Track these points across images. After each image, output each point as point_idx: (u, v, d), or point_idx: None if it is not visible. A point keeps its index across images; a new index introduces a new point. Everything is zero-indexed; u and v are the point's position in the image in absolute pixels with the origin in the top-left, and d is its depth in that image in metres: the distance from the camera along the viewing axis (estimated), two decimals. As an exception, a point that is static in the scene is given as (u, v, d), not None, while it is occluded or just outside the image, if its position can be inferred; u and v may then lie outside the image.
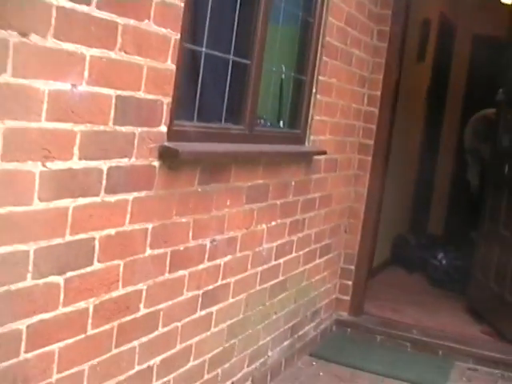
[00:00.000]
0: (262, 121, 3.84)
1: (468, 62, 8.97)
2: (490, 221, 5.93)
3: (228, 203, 3.33)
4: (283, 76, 4.07)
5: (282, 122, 4.12)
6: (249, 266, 3.69)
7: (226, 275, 3.44)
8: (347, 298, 5.36)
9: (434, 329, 5.43)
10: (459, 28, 8.89)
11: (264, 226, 3.77)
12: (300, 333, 4.59)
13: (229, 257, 3.45)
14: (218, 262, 3.33)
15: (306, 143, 4.22)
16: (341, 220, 5.11)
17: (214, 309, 3.37)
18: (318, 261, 4.73)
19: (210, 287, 3.30)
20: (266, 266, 3.89)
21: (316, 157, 4.28)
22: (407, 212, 8.23)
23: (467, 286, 6.24)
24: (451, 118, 9.00)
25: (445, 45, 8.35)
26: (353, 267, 5.32)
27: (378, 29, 5.13)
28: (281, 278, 4.14)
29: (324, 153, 4.28)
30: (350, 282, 5.34)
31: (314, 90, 4.18)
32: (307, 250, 4.49)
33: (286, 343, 4.36)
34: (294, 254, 4.27)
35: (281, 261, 4.10)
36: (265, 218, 3.76)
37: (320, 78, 4.21)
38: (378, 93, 5.16)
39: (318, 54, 4.17)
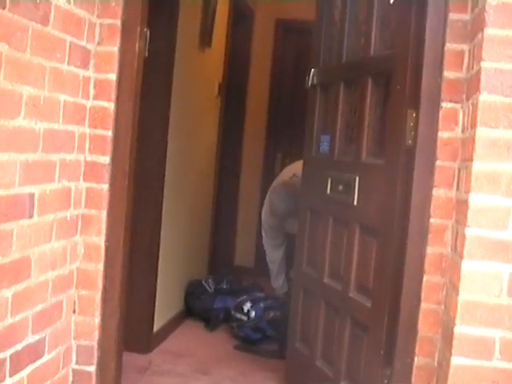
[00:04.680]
0: None
1: (272, 50, 7.27)
2: (309, 264, 4.00)
3: None
4: None
5: None
6: None
7: None
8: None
9: None
10: (259, 11, 7.15)
11: None
12: None
13: None
14: None
15: None
16: (60, 295, 2.99)
17: None
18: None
19: None
20: None
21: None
22: (205, 249, 6.26)
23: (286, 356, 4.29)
24: (255, 115, 7.28)
25: (241, 30, 6.55)
26: (93, 368, 3.20)
27: (106, -31, 3.07)
28: None
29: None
30: (90, 393, 3.23)
31: None
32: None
33: None
34: None
35: None
36: None
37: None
38: (113, 77, 3.09)
39: None
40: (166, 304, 5.09)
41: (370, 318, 3.27)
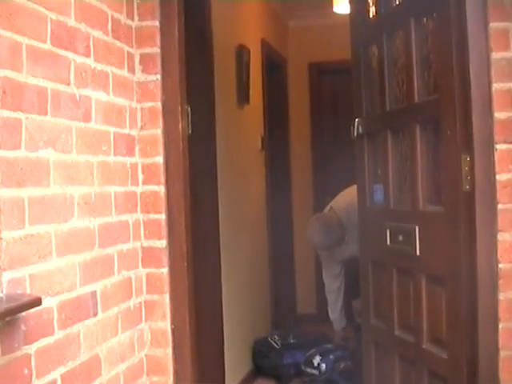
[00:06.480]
0: None
1: (309, 94, 7.26)
2: (377, 317, 3.90)
3: None
4: None
5: None
6: None
7: None
8: None
9: None
10: (291, 58, 7.17)
11: None
12: None
13: None
14: None
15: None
16: (132, 385, 2.96)
17: None
18: None
19: None
20: None
21: (24, 314, 2.12)
22: (266, 303, 6.21)
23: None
24: (300, 162, 7.26)
25: (276, 80, 6.55)
26: None
27: (141, 52, 3.07)
28: None
29: (36, 303, 2.11)
30: None
31: None
32: None
33: None
34: None
35: None
36: None
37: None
38: (160, 160, 3.08)
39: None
40: (235, 366, 5.03)
41: (447, 369, 3.16)
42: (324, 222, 5.16)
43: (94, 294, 2.61)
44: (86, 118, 2.61)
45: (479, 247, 2.91)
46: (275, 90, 6.76)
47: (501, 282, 2.84)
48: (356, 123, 3.93)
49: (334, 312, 5.57)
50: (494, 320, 2.88)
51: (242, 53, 5.42)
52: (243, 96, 5.42)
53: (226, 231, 4.82)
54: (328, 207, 5.31)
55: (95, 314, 2.62)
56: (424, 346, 3.36)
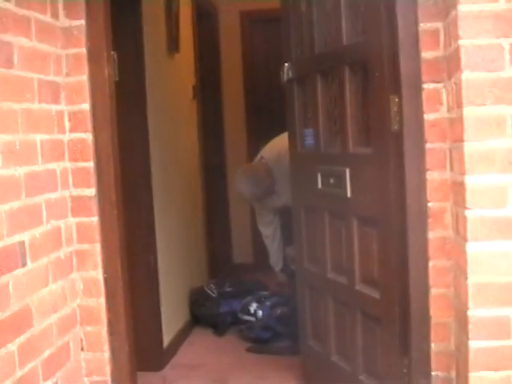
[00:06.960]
0: None
1: (241, 43, 7.21)
2: (311, 260, 3.94)
3: None
4: None
5: None
6: None
7: None
8: None
9: None
10: (222, 6, 7.09)
11: None
12: None
13: None
14: None
15: None
16: (65, 336, 2.93)
17: None
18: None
19: None
20: None
21: None
22: (202, 253, 6.21)
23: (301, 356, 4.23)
24: (233, 111, 7.30)
25: (207, 28, 6.47)
26: (108, 403, 3.15)
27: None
28: None
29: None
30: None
31: None
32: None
33: None
34: None
35: None
36: None
37: None
38: (86, 107, 3.01)
39: None
40: (172, 317, 5.03)
41: (380, 309, 3.22)
42: (252, 173, 5.11)
43: (21, 243, 2.57)
44: (8, 64, 2.53)
45: (408, 187, 2.94)
46: (207, 38, 6.67)
47: (430, 220, 2.89)
48: (285, 68, 3.92)
49: (273, 256, 5.59)
50: (424, 258, 2.93)
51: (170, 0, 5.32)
52: (173, 45, 5.33)
53: (159, 180, 4.78)
54: (259, 156, 5.27)
55: (24, 265, 2.58)
56: (357, 288, 3.41)
